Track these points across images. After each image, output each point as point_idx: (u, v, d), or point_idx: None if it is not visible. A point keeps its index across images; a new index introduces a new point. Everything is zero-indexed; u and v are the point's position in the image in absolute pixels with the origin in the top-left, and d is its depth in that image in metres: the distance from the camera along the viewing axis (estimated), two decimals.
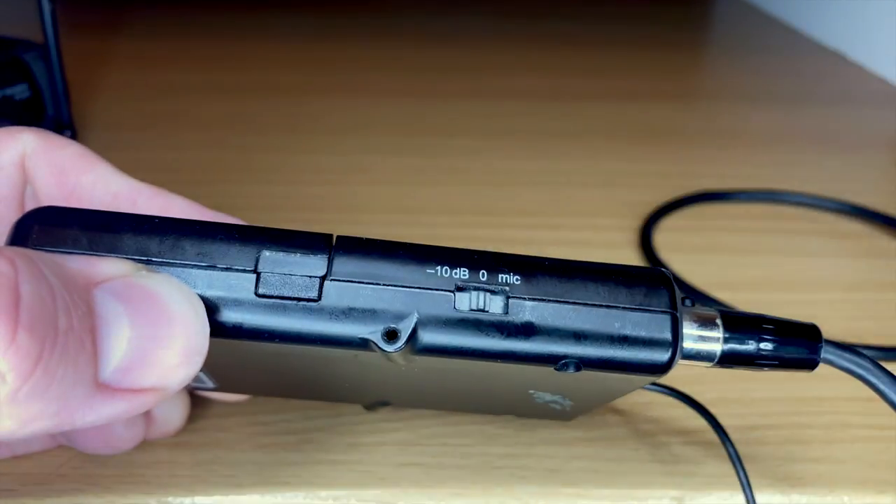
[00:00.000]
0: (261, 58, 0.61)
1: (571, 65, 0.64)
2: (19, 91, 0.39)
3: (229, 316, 0.16)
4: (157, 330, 0.15)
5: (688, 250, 0.36)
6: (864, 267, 0.36)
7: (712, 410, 0.24)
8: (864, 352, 0.29)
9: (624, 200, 0.40)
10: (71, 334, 0.13)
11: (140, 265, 0.16)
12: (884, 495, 0.23)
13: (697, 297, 0.32)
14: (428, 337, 0.16)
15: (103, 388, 0.14)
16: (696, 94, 0.60)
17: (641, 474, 0.23)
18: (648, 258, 0.35)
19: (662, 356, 0.17)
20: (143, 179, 0.21)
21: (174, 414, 0.22)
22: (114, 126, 0.46)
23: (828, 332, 0.30)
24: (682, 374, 0.26)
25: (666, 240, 0.37)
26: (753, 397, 0.27)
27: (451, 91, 0.56)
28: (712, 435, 0.24)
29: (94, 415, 0.14)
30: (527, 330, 0.17)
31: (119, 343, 0.14)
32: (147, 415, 0.22)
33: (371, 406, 0.24)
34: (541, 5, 0.82)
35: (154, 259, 0.16)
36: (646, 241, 0.36)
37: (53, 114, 0.41)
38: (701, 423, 0.24)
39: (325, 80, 0.57)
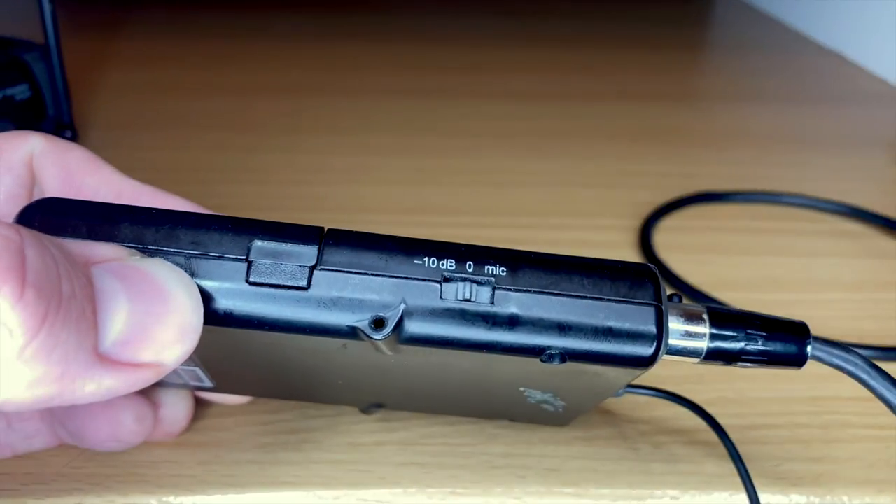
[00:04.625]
0: (261, 58, 0.61)
1: (571, 65, 0.64)
2: (20, 91, 0.39)
3: (221, 303, 0.16)
4: (153, 306, 0.15)
5: (687, 250, 0.36)
6: (864, 267, 0.36)
7: (711, 410, 0.24)
8: (865, 352, 0.29)
9: (624, 200, 0.40)
10: (73, 300, 0.14)
11: (134, 251, 0.16)
12: (883, 495, 0.23)
13: (697, 296, 0.32)
14: (414, 326, 0.17)
15: (104, 358, 0.14)
16: (695, 94, 0.60)
17: (641, 474, 0.23)
18: (648, 258, 0.35)
19: (647, 349, 0.17)
20: (142, 179, 0.21)
21: (180, 414, 0.23)
22: (114, 126, 0.46)
23: (828, 332, 0.30)
24: (680, 374, 0.26)
25: (666, 240, 0.37)
26: (752, 397, 0.27)
27: (451, 91, 0.56)
28: (711, 434, 0.24)
29: (95, 385, 0.14)
30: (512, 320, 0.17)
31: (117, 317, 0.15)
32: (154, 415, 0.22)
33: (366, 409, 0.24)
34: (541, 5, 0.82)
35: (149, 247, 0.16)
36: (645, 241, 0.36)
37: (54, 114, 0.41)
38: (700, 422, 0.24)
39: (325, 80, 0.57)
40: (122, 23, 0.68)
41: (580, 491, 0.23)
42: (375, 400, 0.23)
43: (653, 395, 0.25)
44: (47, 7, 0.39)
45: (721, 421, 0.24)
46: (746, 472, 0.22)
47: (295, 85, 0.56)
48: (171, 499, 0.22)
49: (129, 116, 0.48)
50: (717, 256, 0.36)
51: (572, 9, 0.81)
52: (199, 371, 0.21)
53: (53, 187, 0.20)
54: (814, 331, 0.30)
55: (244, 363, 0.20)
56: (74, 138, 0.42)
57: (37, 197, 0.20)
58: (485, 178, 0.42)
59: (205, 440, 0.23)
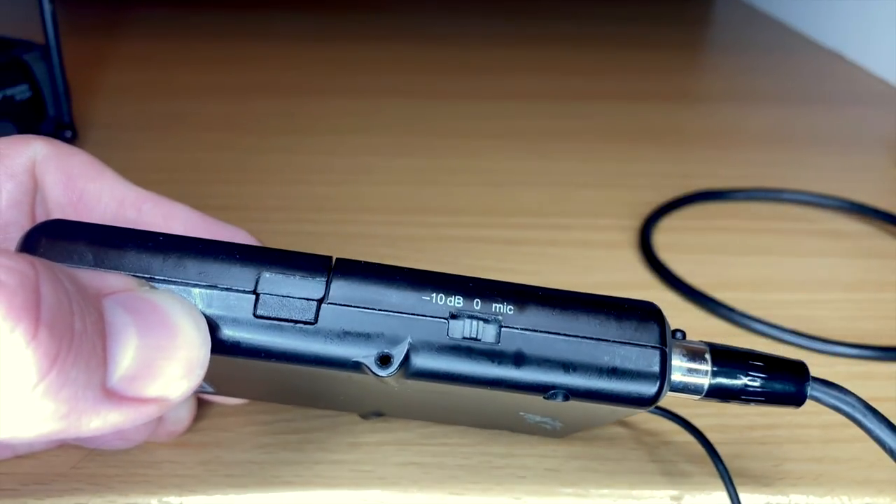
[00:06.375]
0: (261, 58, 0.61)
1: (571, 65, 0.64)
2: (20, 91, 0.39)
3: (227, 334, 0.16)
4: (162, 341, 0.15)
5: (688, 250, 0.36)
6: (864, 267, 0.36)
7: (710, 410, 0.24)
8: (864, 352, 0.29)
9: (624, 200, 0.40)
10: (85, 337, 0.14)
11: (143, 282, 0.16)
12: (883, 495, 0.23)
13: (697, 297, 0.32)
14: (420, 362, 0.17)
15: (110, 394, 0.14)
16: (695, 94, 0.60)
17: (640, 474, 0.23)
18: (648, 258, 0.35)
19: (650, 390, 0.17)
20: (142, 179, 0.21)
21: (183, 414, 0.23)
22: (114, 126, 0.46)
23: (827, 332, 0.30)
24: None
25: (666, 240, 0.37)
26: None
27: (451, 91, 0.56)
28: (710, 434, 0.24)
29: (100, 421, 0.14)
30: (517, 359, 0.17)
31: (126, 351, 0.15)
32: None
33: (365, 415, 0.24)
34: (541, 5, 0.82)
35: (157, 276, 0.16)
36: (645, 241, 0.36)
37: (54, 114, 0.41)
38: (699, 421, 0.24)
39: (325, 81, 0.57)
40: (122, 23, 0.68)
41: (580, 491, 0.23)
42: (375, 409, 0.24)
43: (650, 412, 0.24)
44: (47, 7, 0.39)
45: (721, 421, 0.24)
46: (730, 479, 0.22)
47: (295, 85, 0.56)
48: (171, 499, 0.22)
49: (129, 116, 0.48)
50: (717, 256, 0.36)
51: (572, 9, 0.81)
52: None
53: (55, 194, 0.20)
54: (813, 331, 0.30)
55: (246, 377, 0.20)
56: (74, 138, 0.42)
57: (39, 203, 0.20)
58: (485, 179, 0.42)
59: (206, 440, 0.23)
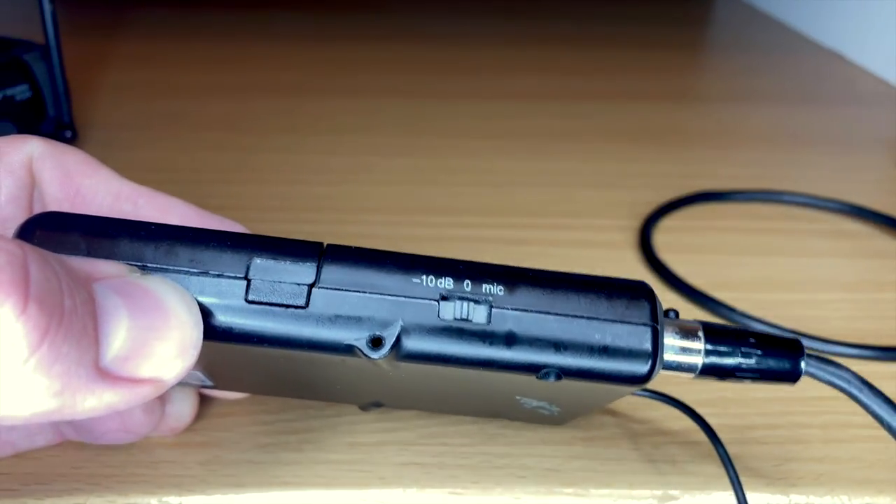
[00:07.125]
0: (261, 58, 0.61)
1: (571, 65, 0.64)
2: (20, 91, 0.39)
3: (220, 320, 0.17)
4: (154, 322, 0.15)
5: (688, 250, 0.36)
6: (864, 267, 0.36)
7: (710, 410, 0.24)
8: (864, 352, 0.29)
9: (624, 200, 0.40)
10: (75, 315, 0.14)
11: (135, 269, 0.16)
12: (883, 495, 0.23)
13: (697, 297, 0.32)
14: (412, 344, 0.17)
15: (104, 373, 0.14)
16: (695, 94, 0.60)
17: (640, 474, 0.23)
18: (648, 258, 0.35)
19: (642, 367, 0.17)
20: (142, 179, 0.21)
21: (185, 409, 0.23)
22: (114, 126, 0.46)
23: (827, 332, 0.30)
24: (679, 374, 0.26)
25: (666, 240, 0.37)
26: (752, 397, 0.27)
27: (451, 91, 0.56)
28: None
29: (95, 400, 0.14)
30: (509, 339, 0.17)
31: (118, 332, 0.15)
32: (161, 407, 0.22)
33: (365, 407, 0.24)
34: (541, 5, 0.82)
35: (149, 264, 0.17)
36: (645, 241, 0.36)
37: (54, 114, 0.41)
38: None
39: (325, 80, 0.57)
40: (122, 23, 0.68)
41: (580, 491, 0.23)
42: (374, 400, 0.24)
43: (649, 398, 0.25)
44: (47, 7, 0.39)
45: (721, 421, 0.24)
46: (736, 475, 0.22)
47: (295, 85, 0.56)
48: (171, 499, 0.22)
49: (129, 116, 0.48)
50: (717, 256, 0.36)
51: (572, 9, 0.81)
52: (199, 373, 0.21)
53: (52, 190, 0.20)
54: (813, 331, 0.30)
55: (242, 367, 0.20)
56: (74, 138, 0.42)
57: (36, 200, 0.20)
58: (485, 178, 0.42)
59: (205, 440, 0.23)
